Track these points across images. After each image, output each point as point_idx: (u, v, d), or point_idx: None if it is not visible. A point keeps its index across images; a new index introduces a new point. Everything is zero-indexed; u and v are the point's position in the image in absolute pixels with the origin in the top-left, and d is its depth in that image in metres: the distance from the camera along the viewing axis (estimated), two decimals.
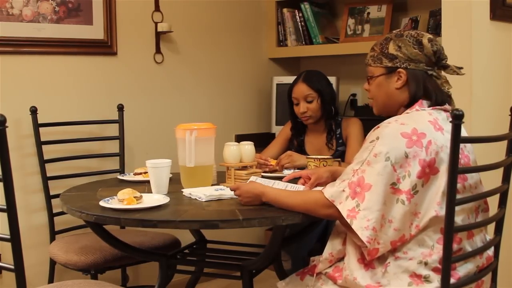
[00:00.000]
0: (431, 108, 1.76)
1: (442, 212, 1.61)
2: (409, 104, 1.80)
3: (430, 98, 1.77)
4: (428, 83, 1.78)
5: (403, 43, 1.79)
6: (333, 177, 2.03)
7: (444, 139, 1.69)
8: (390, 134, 1.66)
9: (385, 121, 1.73)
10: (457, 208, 1.54)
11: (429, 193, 1.65)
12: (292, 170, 2.50)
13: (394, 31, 1.86)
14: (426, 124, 1.69)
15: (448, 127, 1.71)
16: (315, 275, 1.88)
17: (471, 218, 1.73)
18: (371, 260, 1.70)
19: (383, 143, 1.65)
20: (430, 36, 1.79)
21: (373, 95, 1.88)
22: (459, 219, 1.66)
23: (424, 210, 1.64)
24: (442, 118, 1.75)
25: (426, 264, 1.64)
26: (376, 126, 1.73)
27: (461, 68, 1.83)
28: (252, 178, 2.17)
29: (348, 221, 1.65)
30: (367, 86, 1.89)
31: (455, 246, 1.63)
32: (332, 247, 1.84)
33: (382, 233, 1.64)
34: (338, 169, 2.11)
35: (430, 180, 1.64)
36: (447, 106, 1.79)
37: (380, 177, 1.63)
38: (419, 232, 1.65)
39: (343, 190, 1.69)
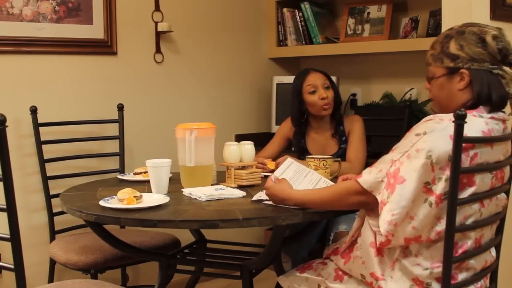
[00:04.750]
0: (490, 116, 1.67)
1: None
2: (472, 105, 1.70)
3: (491, 97, 1.68)
4: (492, 83, 1.68)
5: (465, 42, 1.69)
6: None
7: (490, 153, 1.64)
8: (439, 133, 1.58)
9: (437, 116, 1.64)
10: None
11: (461, 207, 1.61)
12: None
13: (454, 28, 1.75)
14: (479, 134, 1.62)
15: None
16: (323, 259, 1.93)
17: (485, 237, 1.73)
18: (382, 248, 1.69)
19: (428, 140, 1.58)
20: (495, 32, 1.69)
21: (434, 96, 1.79)
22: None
23: None
24: (498, 129, 1.68)
25: (431, 273, 1.64)
26: (428, 118, 1.65)
27: None
28: (287, 161, 2.12)
29: (379, 212, 1.63)
30: (428, 86, 1.81)
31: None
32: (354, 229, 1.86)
33: (400, 228, 1.61)
34: None
35: (463, 190, 1.60)
36: (505, 116, 1.73)
37: (416, 173, 1.58)
38: (439, 239, 1.62)
39: (382, 180, 1.65)
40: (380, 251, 1.70)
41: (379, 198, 1.65)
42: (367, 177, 1.68)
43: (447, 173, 1.56)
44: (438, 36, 1.79)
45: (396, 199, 1.59)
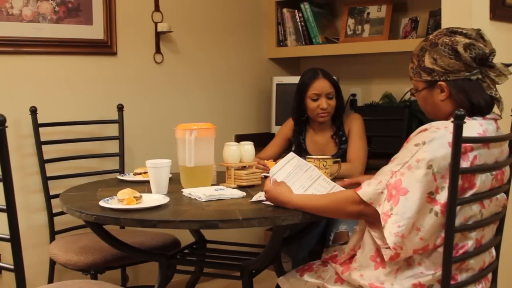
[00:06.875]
0: (482, 118, 1.68)
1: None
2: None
3: (475, 105, 1.68)
4: (472, 90, 1.68)
5: (438, 55, 1.70)
6: None
7: (488, 155, 1.64)
8: (438, 142, 1.58)
9: (434, 125, 1.64)
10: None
11: (462, 209, 1.61)
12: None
13: (429, 38, 1.76)
14: (475, 137, 1.63)
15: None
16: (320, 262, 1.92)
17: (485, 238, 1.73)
18: (384, 261, 1.68)
19: (428, 150, 1.58)
20: (466, 41, 1.67)
21: (421, 107, 1.82)
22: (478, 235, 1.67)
23: None
24: (492, 129, 1.68)
25: (433, 276, 1.64)
26: (424, 128, 1.64)
27: (510, 65, 1.72)
28: (289, 155, 2.12)
29: (382, 224, 1.62)
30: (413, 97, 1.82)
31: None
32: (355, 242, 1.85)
33: (407, 240, 1.60)
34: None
35: (464, 194, 1.60)
36: (496, 115, 1.73)
37: (419, 184, 1.57)
38: (442, 244, 1.61)
39: (382, 192, 1.65)
40: (381, 264, 1.70)
41: (379, 210, 1.64)
42: (367, 188, 1.68)
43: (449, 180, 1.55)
44: (415, 47, 1.80)
45: (401, 211, 1.58)
